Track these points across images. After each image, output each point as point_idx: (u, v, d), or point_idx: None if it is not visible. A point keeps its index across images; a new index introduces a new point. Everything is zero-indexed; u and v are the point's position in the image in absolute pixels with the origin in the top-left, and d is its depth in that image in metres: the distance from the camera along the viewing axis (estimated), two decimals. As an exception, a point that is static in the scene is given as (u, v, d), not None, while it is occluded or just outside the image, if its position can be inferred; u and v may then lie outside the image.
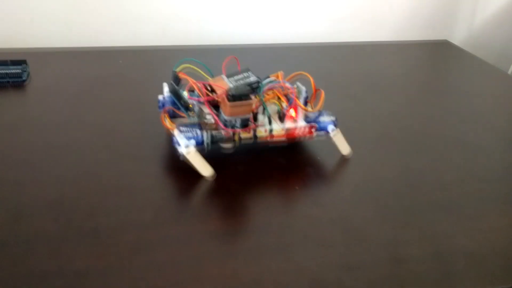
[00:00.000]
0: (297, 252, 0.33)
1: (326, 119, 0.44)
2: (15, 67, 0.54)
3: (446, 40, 0.81)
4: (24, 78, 0.53)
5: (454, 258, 0.34)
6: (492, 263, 0.34)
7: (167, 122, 0.40)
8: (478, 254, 0.35)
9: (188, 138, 0.39)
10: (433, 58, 0.73)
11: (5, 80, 0.52)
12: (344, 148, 0.44)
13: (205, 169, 0.40)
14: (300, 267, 0.32)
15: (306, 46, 0.72)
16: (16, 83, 0.52)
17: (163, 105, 0.43)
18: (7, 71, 0.52)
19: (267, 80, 0.42)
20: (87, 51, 0.63)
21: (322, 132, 0.44)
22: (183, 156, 0.38)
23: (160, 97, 0.43)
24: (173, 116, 0.42)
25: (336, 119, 0.44)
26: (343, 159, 0.44)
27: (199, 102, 0.40)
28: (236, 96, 0.38)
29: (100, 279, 0.30)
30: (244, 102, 0.38)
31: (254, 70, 0.42)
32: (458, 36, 0.85)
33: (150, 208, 0.36)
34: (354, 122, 0.51)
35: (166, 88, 0.43)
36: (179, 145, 0.39)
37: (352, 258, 0.33)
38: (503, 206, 0.40)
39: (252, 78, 0.42)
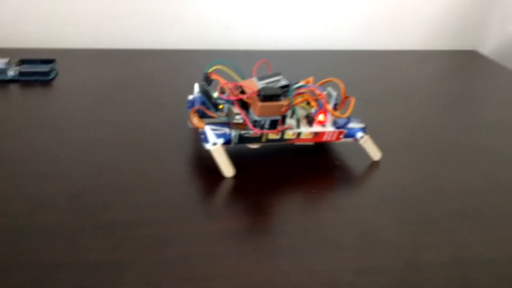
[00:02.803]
0: (311, 254, 0.33)
1: (355, 125, 0.43)
2: (44, 65, 0.55)
3: (474, 50, 0.79)
4: (51, 77, 0.54)
5: (474, 266, 0.33)
6: (513, 273, 0.33)
7: (196, 121, 0.41)
8: (499, 263, 0.33)
9: (218, 136, 0.39)
10: (460, 68, 0.72)
11: (33, 78, 0.53)
12: (374, 153, 0.44)
13: (227, 169, 0.40)
14: (313, 269, 0.31)
15: (334, 53, 0.71)
16: (43, 81, 0.54)
17: (193, 105, 0.43)
18: (35, 70, 0.53)
19: (298, 85, 0.42)
20: (116, 52, 0.64)
21: (350, 139, 0.43)
22: (209, 151, 0.39)
23: (190, 97, 0.44)
24: (202, 116, 0.42)
25: (366, 126, 0.43)
26: (363, 164, 0.43)
27: (229, 102, 0.40)
28: (267, 96, 0.38)
29: (113, 272, 0.30)
30: (274, 103, 0.38)
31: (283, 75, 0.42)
32: (487, 47, 0.83)
33: (167, 205, 0.36)
34: (377, 129, 0.49)
35: (196, 89, 0.43)
36: (207, 141, 0.39)
37: (366, 262, 0.32)
38: (529, 217, 0.39)
39: (283, 81, 0.42)
